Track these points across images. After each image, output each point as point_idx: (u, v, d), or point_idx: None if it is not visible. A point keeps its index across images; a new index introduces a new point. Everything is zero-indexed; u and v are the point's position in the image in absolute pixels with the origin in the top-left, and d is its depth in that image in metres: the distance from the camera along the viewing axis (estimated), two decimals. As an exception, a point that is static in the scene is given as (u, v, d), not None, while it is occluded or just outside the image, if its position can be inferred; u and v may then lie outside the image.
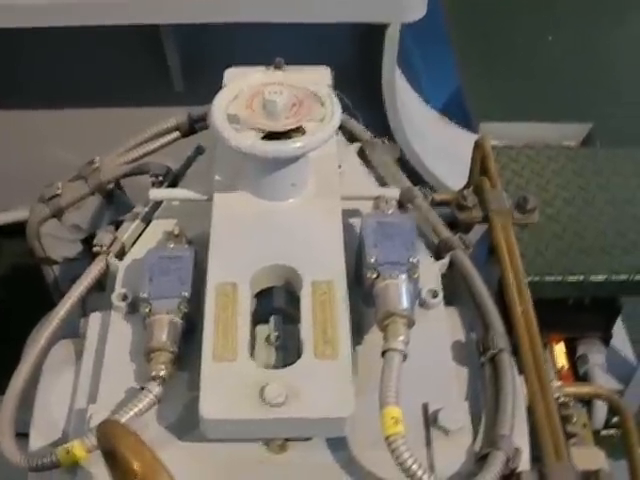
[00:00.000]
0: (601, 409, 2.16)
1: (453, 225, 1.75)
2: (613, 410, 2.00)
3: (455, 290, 1.62)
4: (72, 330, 1.61)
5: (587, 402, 2.10)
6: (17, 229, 2.70)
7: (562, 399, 1.95)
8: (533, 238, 1.93)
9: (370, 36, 2.75)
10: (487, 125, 3.00)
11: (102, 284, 1.67)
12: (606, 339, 2.22)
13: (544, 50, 3.39)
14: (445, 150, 3.01)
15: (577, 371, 2.21)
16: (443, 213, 1.76)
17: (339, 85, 1.73)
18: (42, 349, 1.54)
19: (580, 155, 2.21)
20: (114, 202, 1.93)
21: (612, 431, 2.18)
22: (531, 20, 3.48)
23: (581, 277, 1.89)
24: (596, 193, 2.08)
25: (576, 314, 2.07)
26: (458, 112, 3.26)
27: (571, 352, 2.20)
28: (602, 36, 3.48)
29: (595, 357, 2.21)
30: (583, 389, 1.94)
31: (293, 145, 1.43)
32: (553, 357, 2.21)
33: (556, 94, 3.24)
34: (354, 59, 2.96)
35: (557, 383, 1.89)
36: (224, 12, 2.53)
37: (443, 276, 1.59)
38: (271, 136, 1.45)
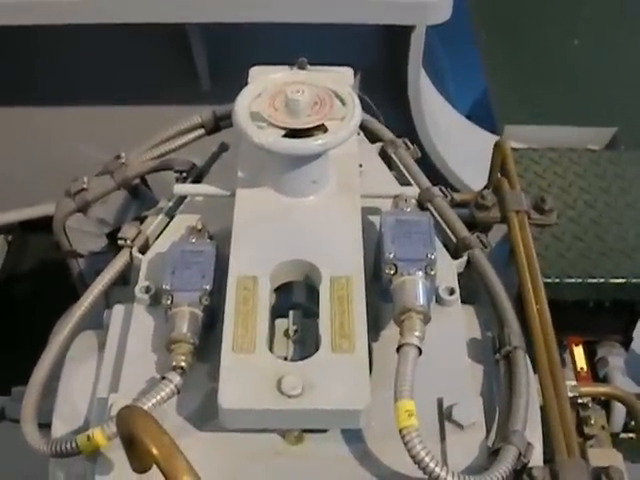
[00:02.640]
0: (620, 412, 2.15)
1: (472, 226, 1.76)
2: (629, 412, 2.00)
3: (472, 289, 1.64)
4: (95, 322, 1.64)
5: (606, 405, 2.09)
6: (42, 224, 2.76)
7: (581, 400, 1.96)
8: (554, 240, 1.93)
9: (396, 38, 2.77)
10: (512, 128, 3.02)
11: (125, 279, 1.70)
12: (626, 342, 2.22)
13: (570, 54, 3.39)
14: (469, 152, 3.02)
15: (597, 374, 2.21)
16: (462, 214, 1.77)
17: (364, 86, 1.76)
18: (66, 339, 1.57)
19: (603, 158, 2.21)
20: (139, 197, 1.96)
21: (631, 434, 2.18)
22: (557, 24, 3.48)
23: (601, 279, 1.89)
24: (618, 196, 2.08)
25: (596, 317, 2.06)
26: (483, 115, 3.27)
27: (591, 355, 2.20)
28: (628, 40, 3.48)
29: (614, 360, 2.20)
30: (599, 389, 1.94)
31: (314, 142, 1.46)
32: (573, 359, 2.20)
33: (581, 98, 3.24)
34: (380, 60, 2.97)
35: (573, 382, 1.90)
36: (251, 12, 2.56)
37: (461, 276, 1.61)
38: (293, 134, 1.48)
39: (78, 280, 2.06)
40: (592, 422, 1.99)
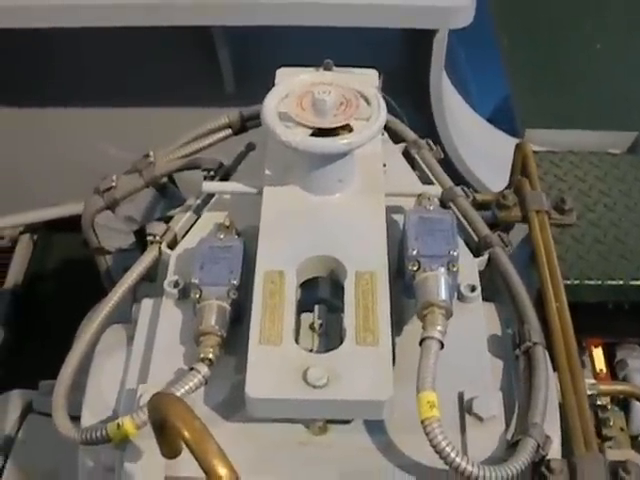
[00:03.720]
0: (639, 413, 2.17)
1: (493, 227, 1.78)
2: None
3: (493, 289, 1.67)
4: (122, 318, 1.67)
5: (625, 406, 2.10)
6: (67, 223, 2.79)
7: (600, 402, 1.98)
8: (574, 242, 1.95)
9: (419, 41, 2.79)
10: (533, 132, 3.02)
11: (152, 277, 1.73)
12: (646, 345, 2.23)
13: (592, 58, 3.39)
14: (490, 155, 3.03)
15: (616, 376, 2.22)
16: (484, 215, 1.79)
17: (387, 88, 1.78)
18: (94, 333, 1.60)
19: (623, 162, 2.22)
20: (167, 195, 1.99)
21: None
22: (579, 28, 3.48)
23: (621, 282, 1.90)
24: (638, 199, 2.08)
25: (615, 319, 2.07)
26: (505, 119, 3.28)
27: (610, 357, 2.21)
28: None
29: (634, 362, 2.20)
30: (618, 387, 1.96)
31: (340, 142, 1.50)
32: (592, 361, 2.22)
33: (603, 102, 3.23)
34: (403, 64, 3.00)
35: (592, 381, 1.92)
36: (276, 15, 2.59)
37: (482, 274, 1.63)
38: (320, 133, 1.51)
39: (105, 277, 2.09)
40: (611, 424, 2.01)
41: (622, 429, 2.03)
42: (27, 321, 3.16)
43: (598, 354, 2.17)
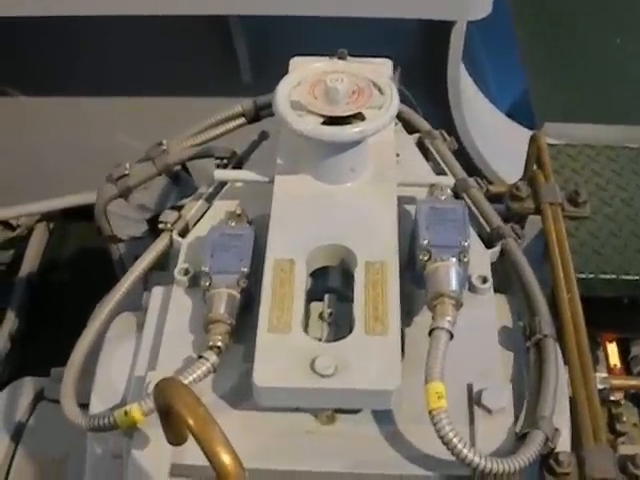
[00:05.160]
0: (652, 409, 2.16)
1: (506, 220, 1.77)
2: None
3: (505, 281, 1.66)
4: (133, 306, 1.67)
5: (639, 402, 2.09)
6: (83, 212, 2.80)
7: (613, 397, 1.97)
8: (589, 236, 1.94)
9: (436, 33, 2.78)
10: (551, 125, 3.01)
11: (164, 265, 1.73)
12: (661, 340, 2.22)
13: (611, 52, 3.37)
14: (507, 148, 3.02)
15: (630, 371, 2.20)
16: (497, 208, 1.78)
17: (404, 80, 1.77)
18: (105, 321, 1.60)
19: (641, 156, 2.21)
20: (180, 184, 1.99)
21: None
22: (599, 22, 3.47)
23: (636, 276, 1.89)
24: (655, 194, 2.08)
25: (630, 314, 2.05)
26: (523, 112, 3.27)
27: (624, 352, 2.20)
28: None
29: (649, 358, 2.20)
30: (630, 382, 1.95)
31: (352, 130, 1.49)
32: (606, 356, 2.21)
33: (622, 96, 3.22)
34: (420, 55, 2.99)
35: (604, 375, 1.91)
36: (293, 5, 2.58)
37: (494, 265, 1.62)
38: (332, 122, 1.50)
39: (118, 265, 2.09)
40: (624, 419, 2.00)
41: (635, 425, 2.03)
42: (41, 309, 3.17)
43: (612, 349, 2.16)
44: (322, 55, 1.75)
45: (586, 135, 2.80)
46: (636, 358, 2.17)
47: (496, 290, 1.58)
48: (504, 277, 1.65)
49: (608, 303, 1.89)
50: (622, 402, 2.02)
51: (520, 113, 3.29)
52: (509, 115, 3.30)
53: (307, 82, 1.55)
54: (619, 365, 2.13)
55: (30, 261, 3.36)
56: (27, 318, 3.15)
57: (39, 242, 3.44)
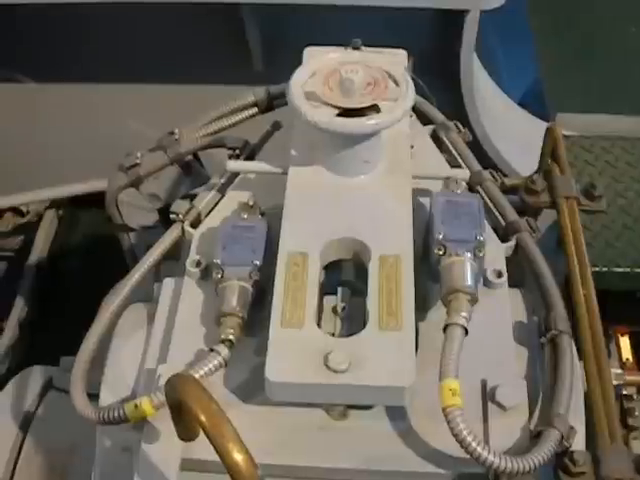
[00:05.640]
0: (666, 404, 2.15)
1: (521, 213, 1.76)
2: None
3: (520, 275, 1.64)
4: (144, 297, 1.66)
5: (652, 397, 2.09)
6: (92, 199, 2.79)
7: (625, 391, 1.96)
8: (603, 229, 1.92)
9: (449, 22, 2.76)
10: (564, 116, 2.99)
11: (175, 255, 1.72)
12: (673, 333, 2.20)
13: (626, 42, 3.34)
14: (520, 138, 3.00)
15: (643, 365, 2.20)
16: (512, 200, 1.77)
17: (417, 69, 1.76)
18: (115, 311, 1.59)
19: (655, 148, 2.19)
20: (191, 174, 1.98)
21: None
22: (614, 11, 3.43)
23: (651, 270, 1.89)
24: (669, 187, 2.07)
25: (643, 308, 2.06)
26: (535, 102, 3.24)
27: (637, 345, 2.19)
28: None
29: (662, 352, 2.19)
30: (645, 378, 1.94)
31: (368, 122, 1.47)
32: (619, 350, 2.20)
33: (636, 87, 3.19)
34: (433, 45, 2.96)
35: (618, 371, 1.90)
36: (305, -8, 2.57)
37: (509, 261, 1.61)
38: (347, 113, 1.48)
39: (128, 254, 2.09)
40: (636, 414, 1.99)
41: (647, 419, 2.01)
42: (50, 296, 3.16)
43: (625, 343, 2.16)
44: (335, 44, 1.74)
45: (598, 125, 2.78)
46: (648, 352, 2.17)
47: (510, 285, 1.57)
48: (519, 271, 1.64)
49: (621, 296, 1.87)
50: (634, 396, 2.00)
51: (532, 103, 3.27)
52: (521, 104, 3.27)
53: (322, 73, 1.53)
54: (631, 359, 2.12)
55: (39, 248, 3.34)
56: (36, 305, 3.14)
57: (48, 229, 3.43)
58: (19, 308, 3.09)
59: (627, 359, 2.11)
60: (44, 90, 3.16)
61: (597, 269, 1.81)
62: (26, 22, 2.88)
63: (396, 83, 1.52)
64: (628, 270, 1.88)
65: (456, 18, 2.68)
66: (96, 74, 3.07)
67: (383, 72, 1.53)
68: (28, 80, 3.16)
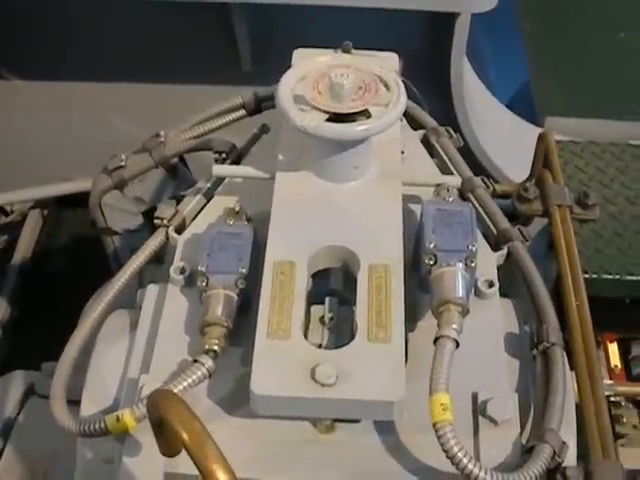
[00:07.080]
0: (654, 412, 2.14)
1: (513, 218, 1.74)
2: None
3: (512, 283, 1.62)
4: (128, 301, 1.63)
5: (639, 404, 2.08)
6: (78, 199, 2.76)
7: (613, 398, 1.94)
8: (593, 235, 1.91)
9: (440, 25, 2.75)
10: (553, 120, 2.98)
11: (160, 258, 1.69)
12: (661, 340, 2.20)
13: (615, 47, 3.34)
14: (510, 143, 2.99)
15: (630, 371, 2.19)
16: (503, 205, 1.75)
17: (407, 73, 1.73)
18: (98, 318, 1.56)
19: (645, 154, 2.18)
20: (177, 177, 1.96)
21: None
22: (603, 16, 3.43)
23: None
24: (659, 193, 2.06)
25: (632, 314, 2.04)
26: (524, 106, 3.23)
27: (625, 352, 2.18)
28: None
29: (650, 358, 2.18)
30: (636, 389, 1.92)
31: (358, 128, 1.43)
32: (607, 356, 2.19)
33: (625, 92, 3.19)
34: (423, 48, 2.96)
35: (609, 381, 1.88)
36: (295, -7, 2.55)
37: (500, 269, 1.58)
38: (336, 118, 1.45)
39: (112, 257, 2.06)
40: (624, 421, 1.99)
41: (635, 426, 2.02)
42: (34, 297, 3.13)
43: (613, 349, 2.16)
44: (325, 45, 1.72)
45: (588, 130, 2.78)
46: (637, 358, 2.16)
47: (501, 294, 1.54)
48: (510, 280, 1.62)
49: (609, 303, 1.86)
50: (623, 403, 2.00)
51: (521, 106, 3.25)
52: (509, 107, 3.26)
53: (311, 76, 1.50)
54: (620, 366, 2.12)
55: (23, 248, 3.31)
56: (19, 306, 3.11)
57: (33, 229, 3.40)
58: (2, 309, 3.06)
59: (615, 366, 2.10)
60: (30, 88, 3.14)
61: (587, 276, 1.79)
62: (11, 19, 2.86)
63: (387, 88, 1.49)
64: (618, 277, 1.86)
65: (446, 21, 2.66)
66: (83, 73, 3.05)
67: (374, 76, 1.50)
68: (13, 78, 3.13)
